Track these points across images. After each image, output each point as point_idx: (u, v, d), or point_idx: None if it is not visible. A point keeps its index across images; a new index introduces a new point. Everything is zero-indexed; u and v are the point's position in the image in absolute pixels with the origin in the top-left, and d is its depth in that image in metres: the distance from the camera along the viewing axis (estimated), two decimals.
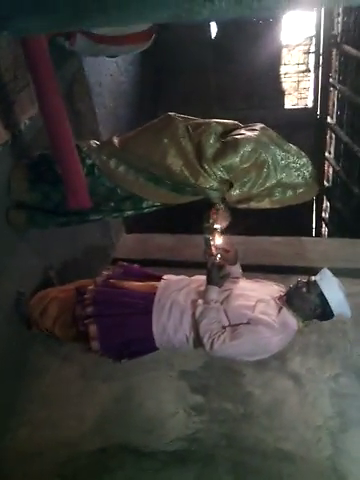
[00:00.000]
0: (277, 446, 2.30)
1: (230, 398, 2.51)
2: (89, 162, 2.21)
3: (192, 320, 2.02)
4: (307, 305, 1.97)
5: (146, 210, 2.33)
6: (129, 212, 2.35)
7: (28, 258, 2.60)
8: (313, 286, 1.97)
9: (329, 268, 2.05)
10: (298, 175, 2.06)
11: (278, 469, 2.23)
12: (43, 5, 0.74)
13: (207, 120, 2.15)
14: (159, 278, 2.28)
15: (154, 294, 2.14)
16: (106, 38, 2.43)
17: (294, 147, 2.09)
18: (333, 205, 6.17)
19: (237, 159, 1.98)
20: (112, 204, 2.31)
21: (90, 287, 2.22)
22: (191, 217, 2.37)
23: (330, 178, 6.20)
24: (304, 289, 1.98)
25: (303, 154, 2.09)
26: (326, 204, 6.53)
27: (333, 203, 6.14)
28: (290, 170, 2.05)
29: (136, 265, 2.47)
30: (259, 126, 2.11)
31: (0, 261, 2.37)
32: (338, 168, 5.73)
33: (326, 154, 6.11)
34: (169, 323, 2.06)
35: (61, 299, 2.37)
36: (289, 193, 2.11)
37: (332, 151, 6.00)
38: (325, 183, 6.27)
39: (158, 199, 2.25)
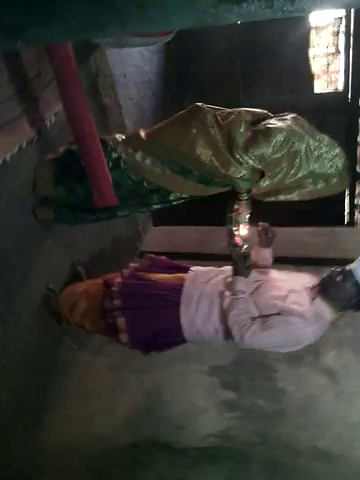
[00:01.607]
0: (311, 444, 2.24)
1: (262, 394, 2.46)
2: (115, 155, 2.18)
3: (221, 312, 1.99)
4: (342, 294, 1.89)
5: (174, 203, 2.28)
6: (156, 205, 2.32)
7: (56, 253, 2.61)
8: (349, 274, 1.89)
9: None
10: (331, 166, 1.99)
11: (312, 468, 2.18)
12: (58, 15, 0.69)
13: (236, 109, 2.08)
14: (187, 269, 2.25)
15: (182, 286, 2.12)
16: None
17: (327, 137, 2.01)
18: None
19: (270, 149, 1.92)
20: (139, 198, 2.28)
21: (117, 280, 2.21)
22: (219, 209, 2.31)
23: None
24: (339, 278, 1.90)
25: (336, 144, 2.01)
26: (359, 190, 6.32)
27: None
28: (323, 160, 1.98)
29: (163, 257, 2.44)
30: (290, 116, 2.04)
31: (29, 257, 2.38)
32: None
33: (358, 139, 5.89)
34: (197, 315, 2.03)
35: (90, 293, 2.37)
36: (320, 184, 2.05)
37: None
38: (357, 169, 6.07)
39: (186, 191, 2.21)
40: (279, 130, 1.92)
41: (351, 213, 6.58)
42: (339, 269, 1.94)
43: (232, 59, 5.86)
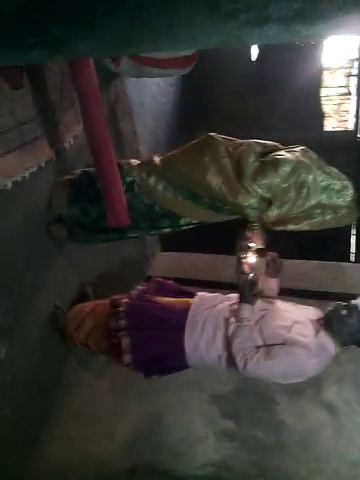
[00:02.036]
0: (310, 479, 2.21)
1: (262, 426, 2.45)
2: (129, 179, 2.25)
3: (225, 338, 2.00)
4: (346, 329, 1.91)
5: (184, 227, 2.34)
6: (166, 229, 2.37)
7: (65, 272, 2.65)
8: (353, 310, 1.91)
9: None
10: (339, 197, 2.03)
11: None
12: (97, 30, 0.76)
13: (247, 141, 2.16)
14: (193, 295, 2.28)
15: (188, 310, 2.14)
16: (150, 61, 2.49)
17: (335, 170, 2.07)
18: None
19: (277, 178, 1.98)
20: (150, 221, 2.34)
21: (124, 300, 2.24)
22: (228, 237, 2.36)
23: None
24: (344, 312, 1.92)
25: (344, 177, 2.06)
26: None
27: None
28: (330, 192, 2.02)
29: (171, 281, 2.47)
30: (299, 148, 2.11)
31: (39, 273, 2.43)
32: None
33: None
34: (201, 340, 2.04)
35: (96, 313, 2.39)
36: (328, 215, 2.07)
37: None
38: None
39: (195, 217, 2.27)
40: (287, 161, 1.99)
41: (358, 251, 6.60)
42: (344, 304, 1.96)
43: (246, 95, 6.03)
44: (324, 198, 2.01)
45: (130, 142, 3.34)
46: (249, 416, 2.49)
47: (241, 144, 2.13)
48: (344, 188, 2.03)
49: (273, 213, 2.04)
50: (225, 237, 2.48)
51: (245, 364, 1.86)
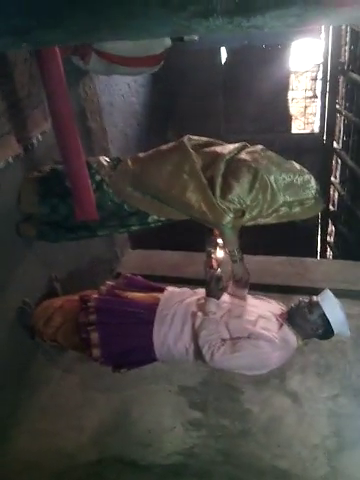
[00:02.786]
0: (273, 464, 2.30)
1: (228, 414, 2.52)
2: (98, 178, 2.28)
3: (192, 331, 2.06)
4: (308, 325, 2.01)
5: (152, 225, 2.38)
6: (135, 227, 2.41)
7: (34, 268, 2.65)
8: (315, 306, 2.00)
9: (330, 289, 2.09)
10: (303, 191, 2.07)
11: None
12: (59, 20, 0.80)
13: (217, 149, 2.17)
14: (162, 290, 2.33)
15: (156, 305, 2.19)
16: (118, 59, 2.53)
17: (295, 164, 2.12)
18: (338, 229, 6.20)
19: (242, 188, 2.01)
20: (119, 219, 2.37)
21: (94, 296, 2.28)
22: (196, 234, 2.42)
23: (336, 202, 6.24)
24: (306, 309, 2.02)
25: (305, 171, 2.11)
26: (331, 228, 6.56)
27: (338, 227, 6.18)
28: (293, 187, 2.06)
29: (139, 277, 2.52)
30: (258, 148, 2.15)
31: (6, 271, 2.43)
32: (343, 192, 5.78)
33: (332, 179, 6.17)
34: (170, 333, 2.10)
35: (65, 309, 2.42)
36: (296, 208, 2.12)
37: (338, 176, 6.06)
38: (330, 207, 6.32)
39: (164, 215, 2.30)
40: (246, 168, 2.03)
41: (323, 250, 6.81)
42: (307, 300, 2.05)
43: (215, 96, 6.14)
44: (289, 195, 2.06)
45: (99, 140, 3.37)
46: (216, 406, 2.56)
47: (212, 155, 2.14)
48: (306, 182, 2.08)
49: (245, 219, 2.08)
50: (193, 234, 2.55)
51: (212, 355, 1.93)
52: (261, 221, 2.15)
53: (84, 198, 2.18)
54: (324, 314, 1.97)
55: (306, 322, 2.01)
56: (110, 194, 2.28)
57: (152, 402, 2.60)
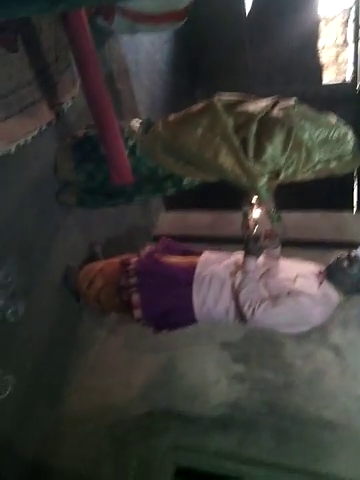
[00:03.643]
0: (318, 414, 2.35)
1: (271, 368, 2.57)
2: (131, 143, 2.25)
3: (232, 291, 2.07)
4: (349, 279, 1.97)
5: (187, 187, 2.37)
6: (171, 190, 2.40)
7: (74, 234, 2.71)
8: (355, 260, 1.97)
9: None
10: (340, 146, 1.99)
11: (319, 436, 2.29)
12: None
13: (250, 107, 2.07)
14: (199, 254, 2.35)
15: (194, 268, 2.21)
16: (142, 16, 2.46)
17: (332, 118, 2.02)
18: None
19: (275, 147, 1.94)
20: (154, 183, 2.36)
21: (134, 259, 2.32)
22: (231, 193, 2.39)
23: None
24: (345, 263, 1.98)
25: (342, 124, 2.02)
26: None
27: None
28: (329, 143, 1.98)
29: (178, 242, 2.54)
30: (291, 102, 2.03)
31: (50, 237, 2.49)
32: None
33: None
34: (209, 295, 2.12)
35: (106, 272, 2.48)
36: (333, 163, 2.05)
37: None
38: None
39: (199, 177, 2.28)
40: (279, 127, 1.94)
41: None
42: (345, 254, 2.01)
43: (242, 48, 5.89)
44: (325, 151, 1.98)
45: (128, 102, 3.33)
46: (258, 360, 2.61)
47: (244, 113, 2.04)
48: (343, 136, 1.99)
49: (280, 179, 2.02)
50: (228, 193, 2.52)
51: (253, 312, 1.94)
52: (297, 178, 2.08)
53: (119, 161, 2.17)
54: None
55: (346, 276, 1.97)
56: (143, 159, 2.26)
57: (196, 358, 2.68)
